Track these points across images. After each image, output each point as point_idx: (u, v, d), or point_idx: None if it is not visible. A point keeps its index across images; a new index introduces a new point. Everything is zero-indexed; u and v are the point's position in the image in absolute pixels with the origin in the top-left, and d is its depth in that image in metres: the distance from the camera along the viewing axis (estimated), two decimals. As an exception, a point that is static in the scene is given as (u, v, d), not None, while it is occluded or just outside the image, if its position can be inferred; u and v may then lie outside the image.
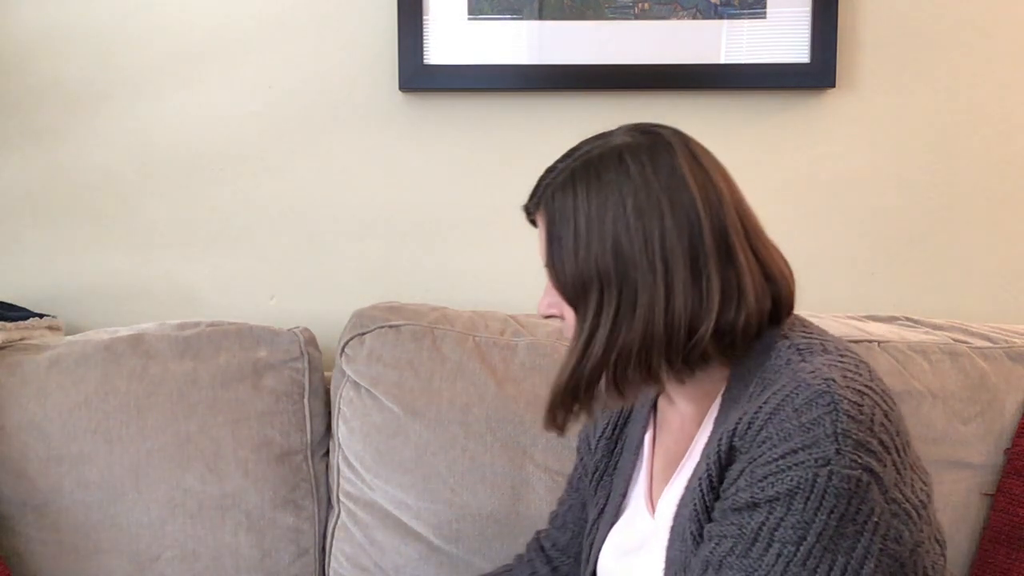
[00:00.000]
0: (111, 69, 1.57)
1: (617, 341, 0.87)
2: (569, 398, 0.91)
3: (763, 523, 0.77)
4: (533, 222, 0.96)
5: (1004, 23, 1.59)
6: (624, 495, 1.03)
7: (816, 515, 0.75)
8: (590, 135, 0.95)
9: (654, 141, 0.89)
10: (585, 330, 0.88)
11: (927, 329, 1.45)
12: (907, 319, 1.49)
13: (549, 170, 0.93)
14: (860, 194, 1.61)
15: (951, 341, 1.41)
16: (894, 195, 1.61)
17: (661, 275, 0.85)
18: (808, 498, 0.75)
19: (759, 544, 0.77)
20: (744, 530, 0.78)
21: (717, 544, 0.80)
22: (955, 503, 1.34)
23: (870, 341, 1.38)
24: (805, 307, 1.53)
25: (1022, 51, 1.60)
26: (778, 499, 0.76)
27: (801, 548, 0.75)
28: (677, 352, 0.86)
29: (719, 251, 0.86)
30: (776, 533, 0.76)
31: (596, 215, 0.87)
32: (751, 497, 0.78)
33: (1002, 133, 1.61)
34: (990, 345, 1.41)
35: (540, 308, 0.96)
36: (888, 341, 1.38)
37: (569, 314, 0.92)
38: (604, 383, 0.89)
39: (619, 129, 0.93)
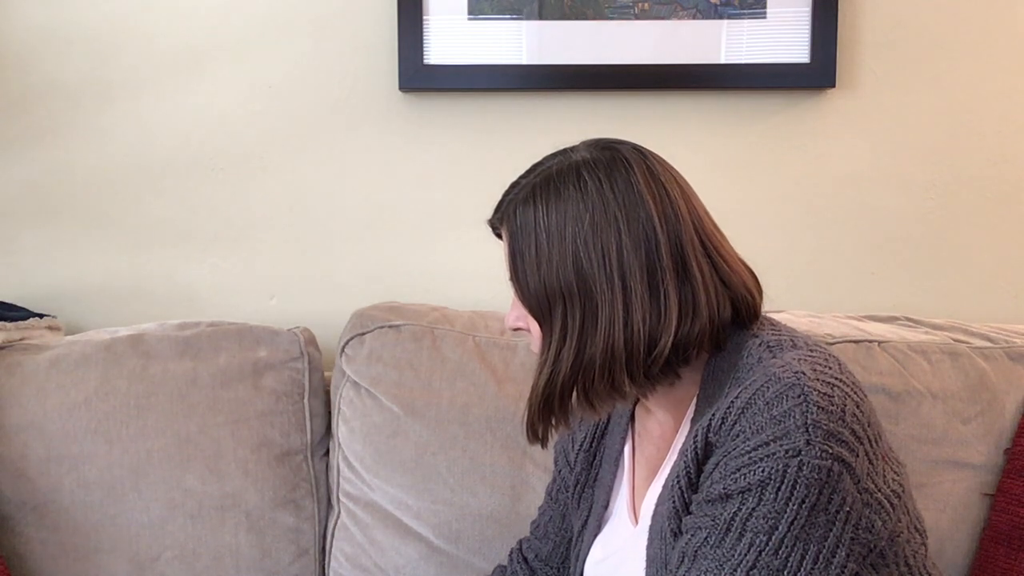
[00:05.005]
0: (111, 69, 1.57)
1: (583, 356, 0.88)
2: (545, 412, 0.92)
3: (736, 513, 0.78)
4: (500, 235, 0.97)
5: (1004, 23, 1.59)
6: (606, 506, 1.04)
7: (787, 505, 0.76)
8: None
9: (612, 157, 0.90)
10: (552, 345, 0.90)
11: (927, 329, 1.45)
12: (907, 319, 1.49)
13: (513, 185, 0.95)
14: (860, 194, 1.61)
15: (951, 341, 1.41)
16: (894, 195, 1.61)
17: (619, 291, 0.87)
18: (779, 488, 0.76)
19: (732, 534, 0.78)
20: (717, 520, 0.79)
21: (692, 535, 0.81)
22: (955, 503, 1.34)
23: (870, 341, 1.38)
24: (805, 307, 1.56)
25: (1022, 51, 1.60)
26: (750, 490, 0.77)
27: (773, 537, 0.76)
28: (638, 367, 0.88)
29: (676, 266, 0.88)
30: (748, 523, 0.77)
31: (556, 230, 0.88)
32: (724, 488, 0.79)
33: (1002, 133, 1.61)
34: (990, 345, 1.41)
35: (507, 321, 0.98)
36: (888, 341, 1.38)
37: (535, 328, 0.93)
38: (575, 397, 0.91)
39: (580, 145, 0.94)
